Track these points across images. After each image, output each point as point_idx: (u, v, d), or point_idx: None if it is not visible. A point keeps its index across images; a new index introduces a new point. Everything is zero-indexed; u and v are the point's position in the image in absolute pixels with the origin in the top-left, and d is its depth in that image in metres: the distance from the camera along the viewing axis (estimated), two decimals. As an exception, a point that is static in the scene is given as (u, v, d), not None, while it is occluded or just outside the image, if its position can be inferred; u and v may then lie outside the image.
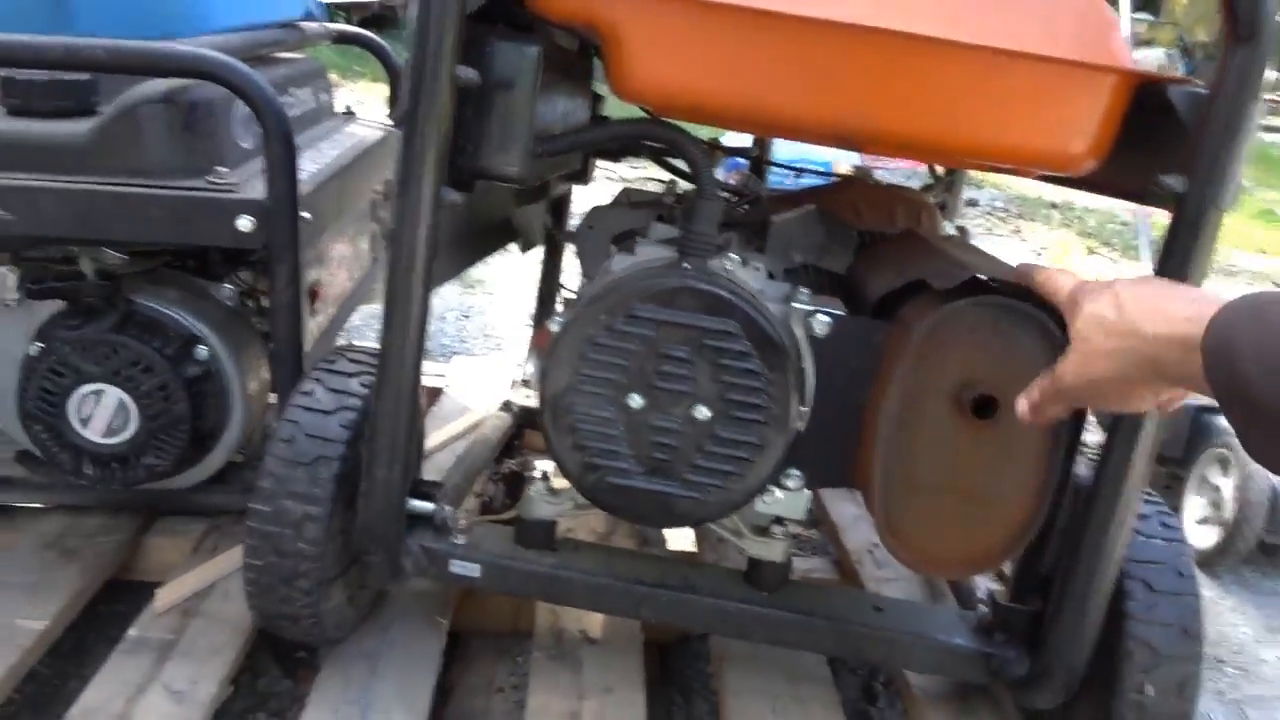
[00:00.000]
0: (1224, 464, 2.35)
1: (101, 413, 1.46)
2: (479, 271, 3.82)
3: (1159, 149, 1.13)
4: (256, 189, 1.41)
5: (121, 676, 1.32)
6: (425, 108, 1.08)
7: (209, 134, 1.44)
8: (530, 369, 2.22)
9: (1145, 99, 1.10)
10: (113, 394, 1.45)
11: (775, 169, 2.12)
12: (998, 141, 1.11)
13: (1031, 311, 1.13)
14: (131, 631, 1.42)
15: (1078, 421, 1.16)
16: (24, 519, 1.64)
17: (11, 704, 1.43)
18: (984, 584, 1.63)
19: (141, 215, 1.36)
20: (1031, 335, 1.14)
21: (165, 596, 1.48)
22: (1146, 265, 3.03)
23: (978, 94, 1.08)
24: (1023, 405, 0.94)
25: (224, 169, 1.41)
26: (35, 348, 1.45)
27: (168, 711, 1.27)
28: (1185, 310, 0.74)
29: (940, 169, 1.97)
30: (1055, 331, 1.13)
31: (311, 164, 1.68)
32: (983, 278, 1.17)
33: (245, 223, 1.37)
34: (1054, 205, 6.20)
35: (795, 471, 1.25)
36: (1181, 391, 0.84)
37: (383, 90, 2.44)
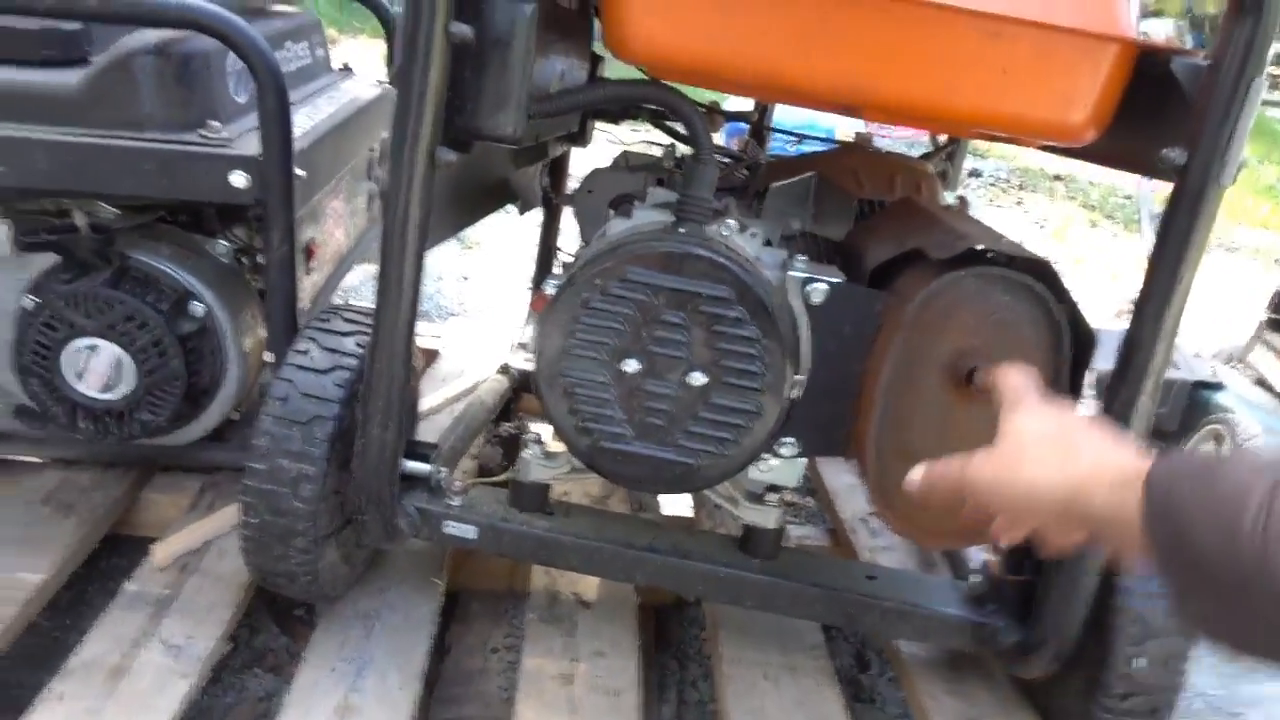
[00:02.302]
0: (1219, 439, 2.35)
1: (96, 367, 1.46)
2: (478, 234, 3.81)
3: (1162, 121, 1.12)
4: (250, 144, 1.39)
5: (119, 630, 1.33)
6: (419, 65, 1.06)
7: (202, 87, 1.42)
8: (527, 332, 2.21)
9: (1148, 69, 1.09)
10: (108, 349, 1.45)
11: (776, 135, 2.10)
12: (998, 110, 1.09)
13: (1029, 282, 1.13)
14: (129, 586, 1.43)
15: (1072, 395, 1.16)
16: (20, 473, 1.65)
17: (10, 657, 1.44)
18: (977, 554, 1.64)
19: (133, 169, 1.35)
20: (1028, 306, 1.13)
21: (162, 552, 1.48)
22: (1148, 238, 3.02)
23: (979, 61, 1.06)
24: (915, 475, 0.87)
25: (217, 123, 1.40)
26: (29, 301, 1.44)
27: (164, 665, 1.28)
28: (1126, 452, 0.70)
29: (941, 137, 1.96)
30: (1051, 302, 1.13)
31: (307, 120, 1.66)
32: (980, 248, 1.16)
33: (239, 178, 1.36)
34: (1057, 177, 6.16)
35: (790, 439, 1.25)
36: (1080, 536, 0.77)
37: (381, 47, 2.41)
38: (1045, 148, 1.27)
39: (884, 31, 1.05)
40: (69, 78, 1.38)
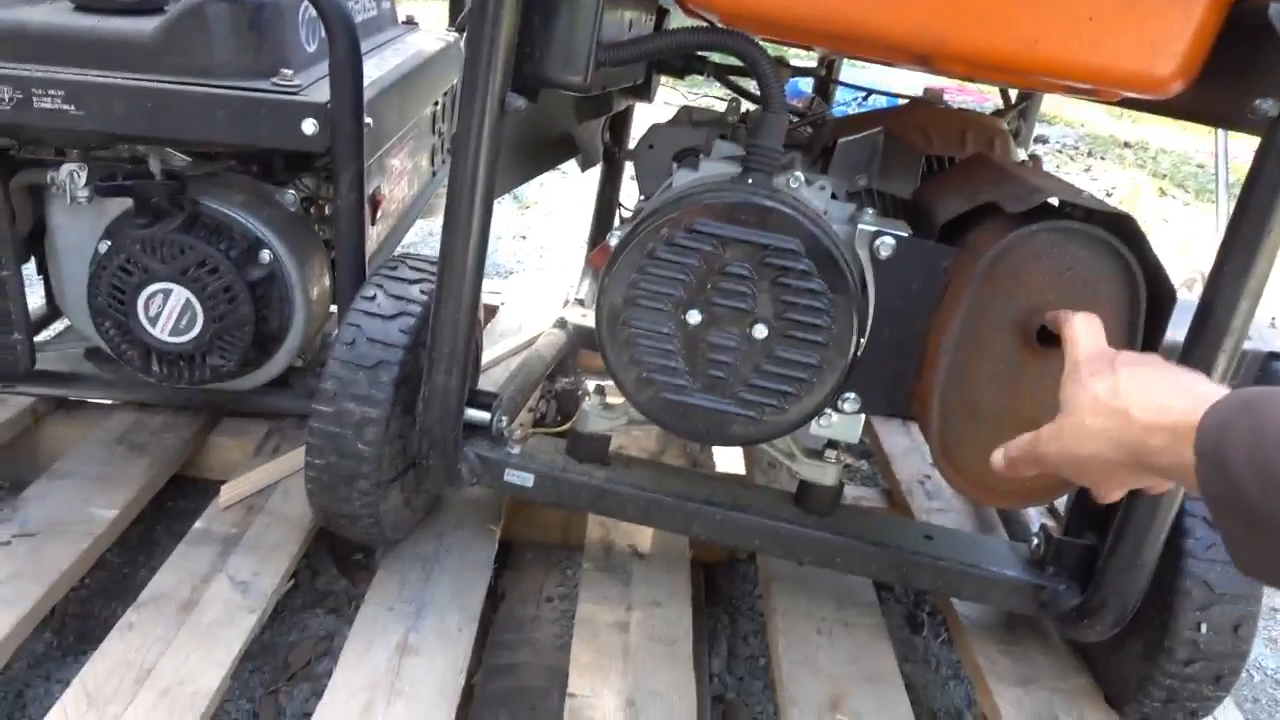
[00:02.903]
0: (1291, 412, 2.29)
1: (169, 311, 1.49)
2: (534, 194, 3.81)
3: (1254, 71, 1.07)
4: (321, 92, 1.41)
5: (188, 565, 1.37)
6: (491, 11, 1.06)
7: (274, 35, 1.44)
8: (584, 288, 2.22)
9: (1241, 17, 1.04)
10: (180, 293, 1.48)
11: (842, 90, 2.07)
12: (1082, 61, 1.06)
13: (1105, 237, 1.10)
14: (198, 524, 1.47)
15: (1151, 351, 1.13)
16: (93, 414, 1.70)
17: (84, 589, 1.50)
18: (1036, 518, 1.62)
19: (208, 115, 1.37)
20: (1104, 262, 1.10)
21: (229, 492, 1.52)
22: (1223, 209, 2.92)
23: (1062, 7, 1.03)
24: (999, 456, 0.91)
25: (289, 71, 1.41)
26: (104, 245, 1.48)
27: (232, 600, 1.32)
28: (1179, 402, 0.71)
29: (1012, 94, 1.91)
30: (1130, 258, 1.10)
31: (374, 70, 1.67)
32: (1055, 203, 1.14)
33: (310, 125, 1.37)
34: (1127, 144, 5.99)
35: (852, 395, 1.24)
36: (1163, 480, 0.80)
37: (437, 7, 2.42)
38: (1127, 101, 1.23)
39: (965, -24, 1.02)
40: (145, 25, 1.40)
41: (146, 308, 1.49)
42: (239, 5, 1.40)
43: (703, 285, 1.18)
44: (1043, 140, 5.80)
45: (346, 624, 1.47)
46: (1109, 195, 5.04)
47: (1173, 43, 1.04)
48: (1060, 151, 5.76)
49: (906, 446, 1.92)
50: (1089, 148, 5.89)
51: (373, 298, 1.31)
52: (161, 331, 1.50)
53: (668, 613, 1.40)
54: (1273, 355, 2.42)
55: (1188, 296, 2.85)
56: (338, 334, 1.30)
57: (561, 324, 2.03)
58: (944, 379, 1.17)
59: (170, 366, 1.55)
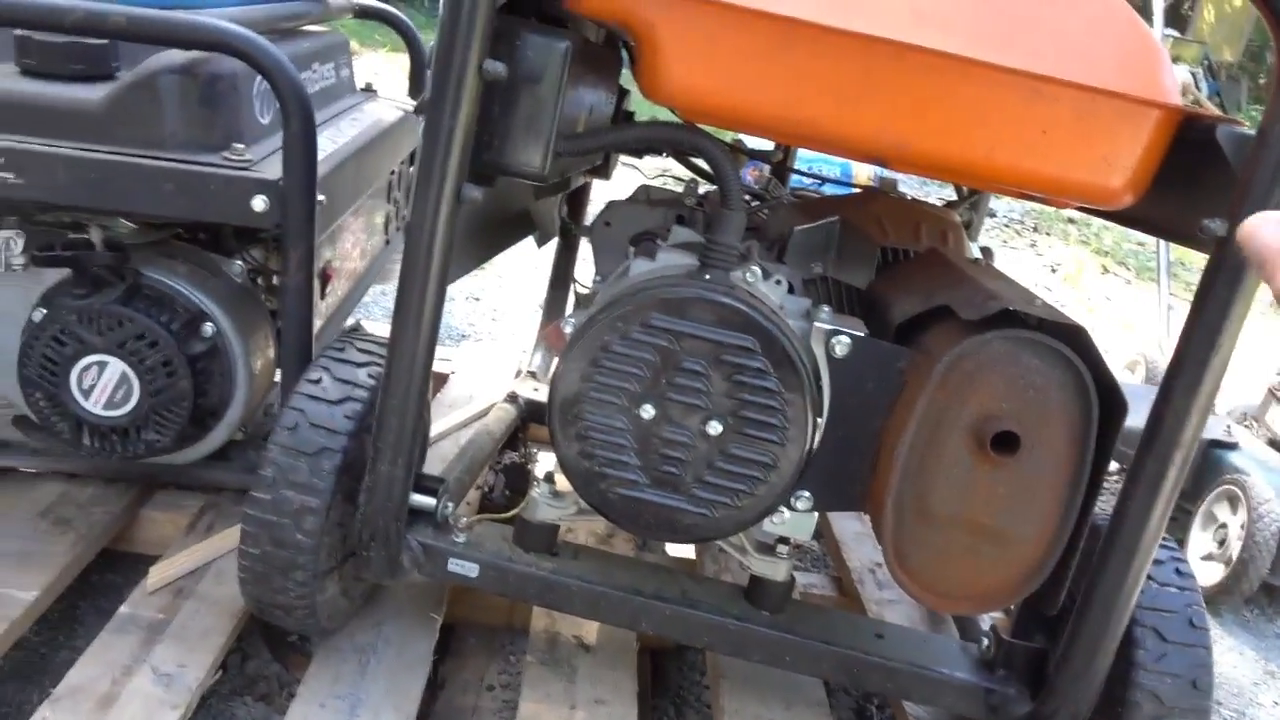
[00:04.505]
0: (1233, 501, 2.32)
1: (103, 384, 1.44)
2: (491, 254, 3.79)
3: (1201, 189, 1.10)
4: (273, 167, 1.38)
5: (109, 656, 1.30)
6: (450, 101, 1.05)
7: (227, 108, 1.41)
8: (536, 360, 2.19)
9: (1190, 135, 1.07)
10: (116, 366, 1.43)
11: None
12: (1035, 170, 1.08)
13: (1059, 347, 1.10)
14: (123, 609, 1.40)
15: (1099, 465, 1.13)
16: (18, 484, 1.62)
17: (-2, 673, 1.42)
18: (987, 615, 1.61)
19: (154, 188, 1.33)
20: (1057, 372, 1.11)
21: (157, 575, 1.46)
22: (1164, 288, 3.00)
23: (1018, 120, 1.05)
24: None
25: (241, 145, 1.38)
26: (39, 314, 1.43)
27: (153, 694, 1.25)
28: None
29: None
30: (1082, 368, 1.10)
31: (330, 143, 1.64)
32: (1012, 309, 1.14)
33: (259, 203, 1.34)
34: (1071, 221, 6.15)
35: (805, 493, 1.23)
36: None
37: (402, 60, 2.41)
38: (1080, 208, 1.25)
39: (924, 86, 1.03)
40: (94, 93, 1.37)
41: (80, 380, 1.43)
42: (191, 77, 1.37)
43: (657, 380, 1.16)
44: (990, 214, 5.94)
45: (277, 713, 1.41)
46: (1054, 271, 5.15)
47: (1123, 157, 1.06)
48: (1007, 226, 5.89)
49: (857, 532, 1.91)
50: (1034, 222, 6.04)
51: (318, 380, 1.27)
52: (95, 405, 1.45)
53: (613, 710, 1.35)
54: (1213, 443, 2.46)
55: (1135, 381, 2.88)
56: (279, 417, 1.26)
57: (512, 398, 2.00)
58: (898, 481, 1.16)
59: (103, 440, 1.48)
